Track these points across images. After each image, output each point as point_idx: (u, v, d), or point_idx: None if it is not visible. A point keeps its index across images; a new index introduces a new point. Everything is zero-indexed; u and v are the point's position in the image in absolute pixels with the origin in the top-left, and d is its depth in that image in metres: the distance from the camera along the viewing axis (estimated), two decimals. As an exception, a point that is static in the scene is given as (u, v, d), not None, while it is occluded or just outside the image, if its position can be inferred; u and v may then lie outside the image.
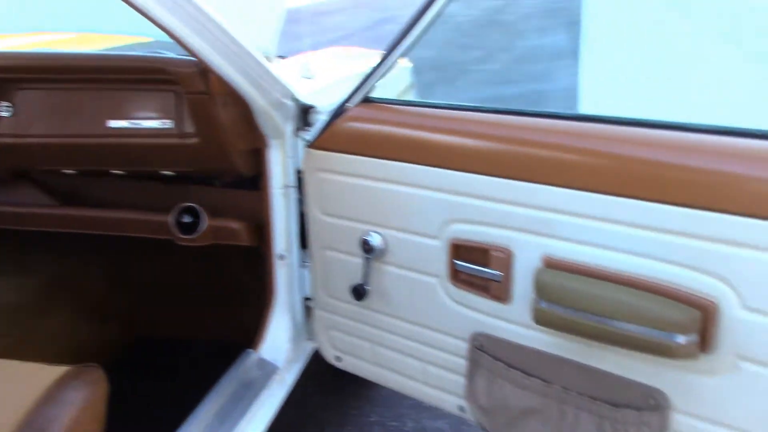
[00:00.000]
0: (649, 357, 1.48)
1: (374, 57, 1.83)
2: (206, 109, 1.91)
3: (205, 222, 2.19)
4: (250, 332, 2.20)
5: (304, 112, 2.04)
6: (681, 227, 1.39)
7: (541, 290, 1.53)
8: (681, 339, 1.37)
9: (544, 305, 1.54)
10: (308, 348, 2.29)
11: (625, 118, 1.56)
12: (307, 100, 2.03)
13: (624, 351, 1.52)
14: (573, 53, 12.10)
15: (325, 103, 2.03)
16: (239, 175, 2.13)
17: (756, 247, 1.31)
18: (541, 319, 1.55)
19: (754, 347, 1.35)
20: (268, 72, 1.83)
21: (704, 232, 1.36)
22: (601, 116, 1.59)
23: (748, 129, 1.41)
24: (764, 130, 1.39)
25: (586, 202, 1.50)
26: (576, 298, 1.48)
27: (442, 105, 1.82)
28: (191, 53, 1.64)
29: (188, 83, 1.88)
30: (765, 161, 1.33)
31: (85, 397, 1.54)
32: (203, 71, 1.86)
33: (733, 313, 1.36)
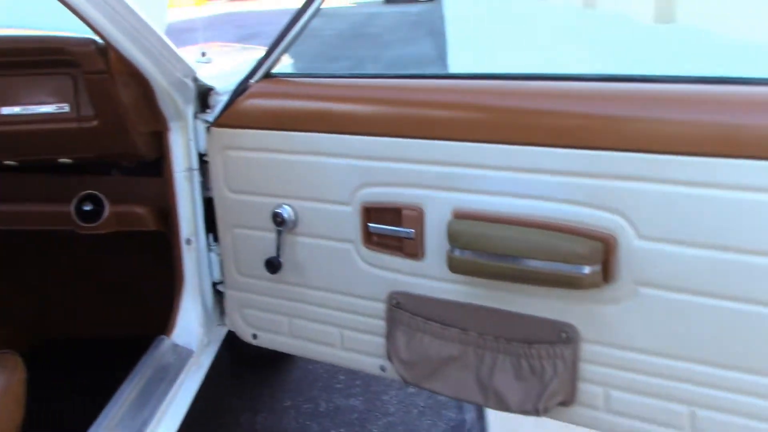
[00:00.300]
0: (558, 294, 1.60)
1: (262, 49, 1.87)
2: (106, 89, 1.88)
3: (107, 209, 2.14)
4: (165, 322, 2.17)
5: (204, 95, 2.04)
6: (578, 168, 1.51)
7: (454, 239, 1.62)
8: (586, 269, 1.49)
9: (457, 253, 1.62)
10: (221, 333, 2.28)
11: (518, 74, 1.69)
12: (207, 81, 2.04)
13: (534, 291, 1.62)
14: (440, 59, 12.54)
15: (224, 85, 2.05)
16: (141, 159, 2.10)
17: (646, 179, 1.45)
18: (456, 267, 1.64)
19: (650, 272, 1.49)
20: (169, 49, 1.83)
21: (599, 171, 1.49)
22: (497, 74, 1.70)
23: (626, 75, 1.57)
24: (641, 75, 1.55)
25: (489, 154, 1.60)
26: (487, 242, 1.58)
27: (344, 74, 1.88)
28: (91, 28, 1.63)
29: (87, 62, 1.85)
30: (645, 102, 1.48)
31: (3, 383, 1.49)
32: (103, 49, 1.83)
33: (630, 243, 1.49)
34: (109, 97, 1.89)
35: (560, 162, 1.53)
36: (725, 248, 1.40)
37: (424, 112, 1.70)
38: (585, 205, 1.52)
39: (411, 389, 2.79)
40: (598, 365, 1.60)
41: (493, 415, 2.50)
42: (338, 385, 2.83)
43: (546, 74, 1.66)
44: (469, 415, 2.63)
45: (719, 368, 1.46)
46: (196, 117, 2.04)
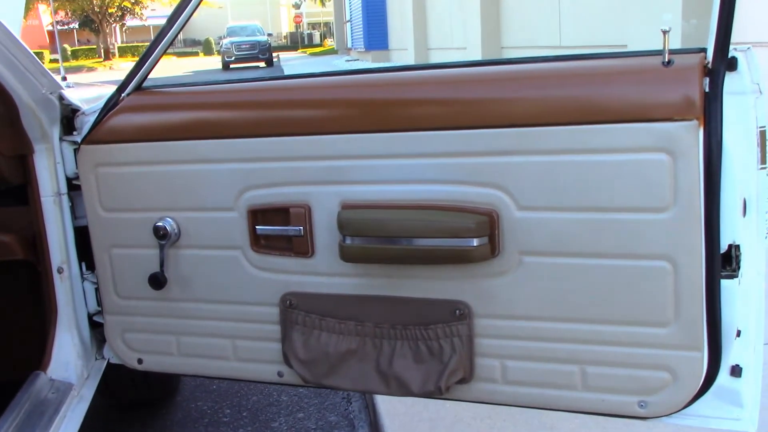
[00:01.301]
0: (449, 274, 1.66)
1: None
2: None
3: None
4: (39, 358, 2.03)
5: (70, 116, 1.98)
6: (456, 149, 1.60)
7: (344, 227, 1.65)
8: (475, 242, 1.57)
9: (348, 241, 1.65)
10: (100, 366, 2.16)
11: (390, 66, 1.77)
12: (74, 102, 1.98)
13: (425, 274, 1.68)
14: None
15: (90, 107, 1.99)
16: (5, 185, 1.99)
17: (519, 152, 1.55)
18: (348, 256, 1.66)
19: (531, 241, 1.58)
20: (35, 63, 1.77)
21: (476, 149, 1.58)
22: (370, 68, 1.78)
23: (488, 60, 1.69)
24: (501, 59, 1.67)
25: (371, 144, 1.66)
26: (377, 226, 1.62)
27: (218, 81, 1.89)
28: None
29: None
30: (507, 81, 1.60)
31: None
32: None
33: (512, 215, 1.58)
34: None
35: (438, 144, 1.61)
36: (593, 209, 1.52)
37: (302, 110, 1.74)
38: (466, 183, 1.60)
39: (300, 414, 2.75)
40: (493, 338, 1.66)
41: (388, 427, 2.50)
42: (225, 419, 2.74)
43: (413, 65, 1.75)
44: (362, 431, 2.63)
45: (601, 324, 1.57)
46: (62, 139, 1.97)
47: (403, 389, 1.70)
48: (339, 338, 1.76)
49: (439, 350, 1.68)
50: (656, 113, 1.45)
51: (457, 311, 1.66)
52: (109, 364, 2.59)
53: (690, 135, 1.43)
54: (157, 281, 1.89)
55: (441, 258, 1.60)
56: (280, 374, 1.88)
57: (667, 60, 1.46)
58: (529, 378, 1.65)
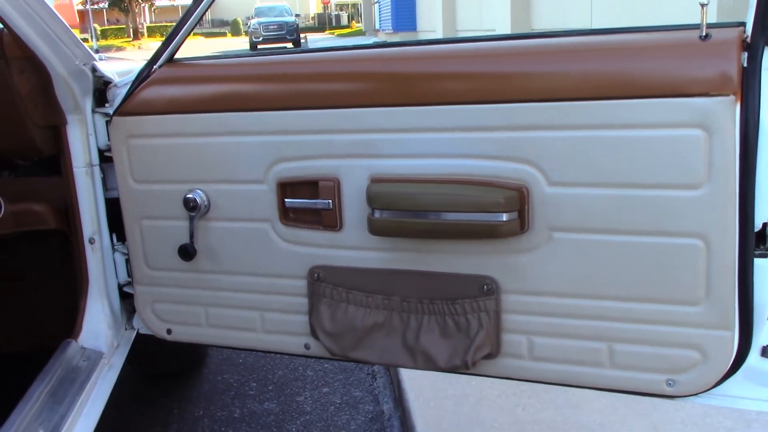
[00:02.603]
0: (477, 249, 1.65)
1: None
2: (1, 76, 1.80)
3: (3, 207, 2.03)
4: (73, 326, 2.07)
5: (102, 89, 1.99)
6: (487, 123, 1.59)
7: (374, 200, 1.65)
8: (504, 217, 1.56)
9: (377, 215, 1.65)
10: (130, 336, 2.19)
11: (423, 40, 1.76)
12: (107, 74, 1.99)
13: (453, 249, 1.68)
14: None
15: (123, 79, 2.00)
16: (38, 156, 2.02)
17: (551, 127, 1.54)
18: (377, 229, 1.66)
19: (561, 217, 1.57)
20: (69, 33, 1.78)
21: (507, 123, 1.57)
22: (404, 41, 1.77)
23: (519, 33, 1.67)
24: (533, 33, 1.65)
25: (401, 117, 1.66)
26: (407, 200, 1.62)
27: (246, 55, 1.90)
28: None
29: None
30: (542, 55, 1.58)
31: None
32: None
33: (542, 190, 1.57)
34: (4, 85, 1.82)
35: (469, 118, 1.60)
36: (625, 185, 1.51)
37: (333, 83, 1.74)
38: (497, 158, 1.60)
39: (325, 389, 2.77)
40: (520, 314, 1.66)
41: (413, 402, 2.52)
42: (251, 392, 2.78)
43: (445, 39, 1.74)
44: (387, 406, 2.65)
45: (630, 302, 1.56)
46: (94, 111, 1.98)
47: (430, 363, 1.71)
48: (366, 311, 1.77)
49: (466, 325, 1.68)
50: (692, 88, 1.43)
51: (485, 286, 1.66)
52: (138, 335, 2.63)
53: (726, 111, 1.41)
54: (187, 252, 1.90)
55: (469, 233, 1.60)
56: (306, 346, 1.89)
57: (704, 34, 1.44)
58: (555, 354, 1.65)
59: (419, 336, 1.72)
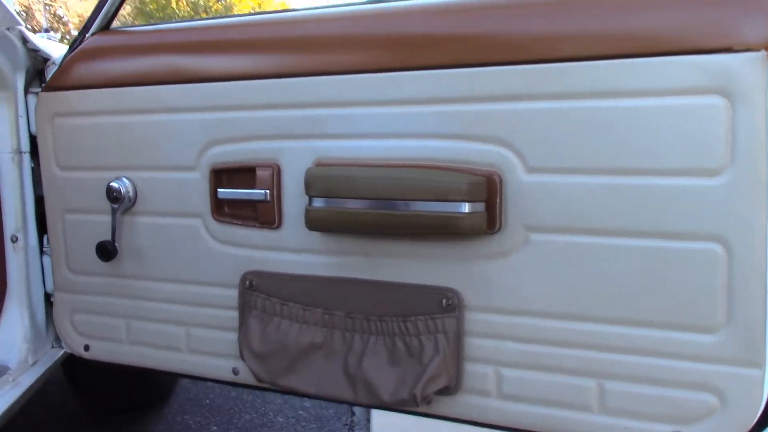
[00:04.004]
0: (437, 253, 1.32)
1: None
2: None
3: None
4: None
5: (40, 66, 1.75)
6: (451, 92, 1.27)
7: (311, 186, 1.33)
8: (465, 207, 1.23)
9: (316, 203, 1.33)
10: (54, 355, 1.88)
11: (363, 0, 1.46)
12: (43, 48, 1.74)
13: (408, 253, 1.34)
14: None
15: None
16: None
17: (529, 97, 1.21)
18: (313, 221, 1.34)
19: (542, 213, 1.23)
20: None
21: (475, 92, 1.25)
22: (352, 2, 1.48)
23: None
24: None
25: (352, 87, 1.35)
26: (347, 185, 1.30)
27: (190, 20, 1.63)
28: None
29: None
30: (511, 10, 1.26)
31: None
32: None
33: (518, 178, 1.24)
34: None
35: (430, 86, 1.29)
36: (622, 171, 1.16)
37: (272, 48, 1.46)
38: (463, 137, 1.27)
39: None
40: (487, 338, 1.30)
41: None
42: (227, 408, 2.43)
43: None
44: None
45: (627, 326, 1.19)
46: (28, 92, 1.73)
47: (372, 397, 1.35)
48: (302, 328, 1.43)
49: (419, 349, 1.33)
50: (709, 42, 1.09)
51: (444, 301, 1.31)
52: (82, 361, 2.32)
53: (755, 71, 1.07)
54: (106, 251, 1.60)
55: (423, 228, 1.26)
56: (235, 371, 1.56)
57: None
58: (530, 393, 1.28)
59: (362, 361, 1.37)
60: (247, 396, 2.66)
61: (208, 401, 2.65)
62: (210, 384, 2.76)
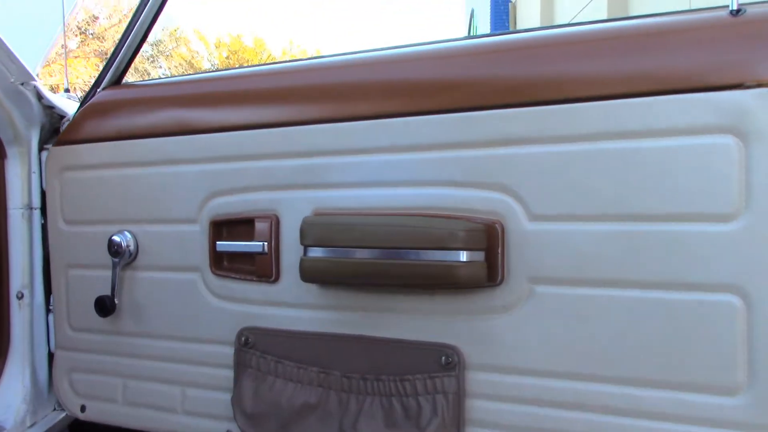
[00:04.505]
0: (437, 308, 1.24)
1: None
2: None
3: None
4: None
5: (56, 124, 1.76)
6: (450, 137, 1.22)
7: (307, 235, 1.28)
8: (463, 256, 1.15)
9: (310, 253, 1.28)
10: (55, 418, 1.83)
11: (373, 49, 1.44)
12: (58, 105, 1.76)
13: (407, 308, 1.27)
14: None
15: None
16: None
17: (532, 140, 1.15)
18: (308, 272, 1.28)
19: (546, 263, 1.15)
20: (1, 45, 1.57)
21: (476, 137, 1.20)
22: (349, 52, 1.45)
23: (484, 34, 1.32)
24: (510, 30, 1.30)
25: (351, 134, 1.32)
26: (344, 233, 1.24)
27: (199, 73, 1.63)
28: None
29: None
30: (516, 53, 1.22)
31: None
32: None
33: (521, 227, 1.17)
34: None
35: (428, 132, 1.24)
36: (631, 217, 1.08)
37: (271, 99, 1.44)
38: (462, 185, 1.21)
39: None
40: (490, 399, 1.21)
41: None
42: None
43: (403, 45, 1.40)
44: None
45: (639, 387, 1.09)
46: (43, 148, 1.74)
47: None
48: (296, 388, 1.35)
49: (416, 411, 1.23)
50: (719, 78, 1.03)
51: (444, 358, 1.23)
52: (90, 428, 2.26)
53: None
54: (104, 306, 1.56)
55: (420, 278, 1.19)
56: None
57: (735, 9, 1.05)
58: None
59: (357, 424, 1.28)
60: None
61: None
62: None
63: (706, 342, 1.04)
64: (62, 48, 2.32)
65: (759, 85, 1.00)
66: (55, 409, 1.82)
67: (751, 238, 1.01)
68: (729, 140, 1.01)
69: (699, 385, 1.05)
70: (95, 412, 1.66)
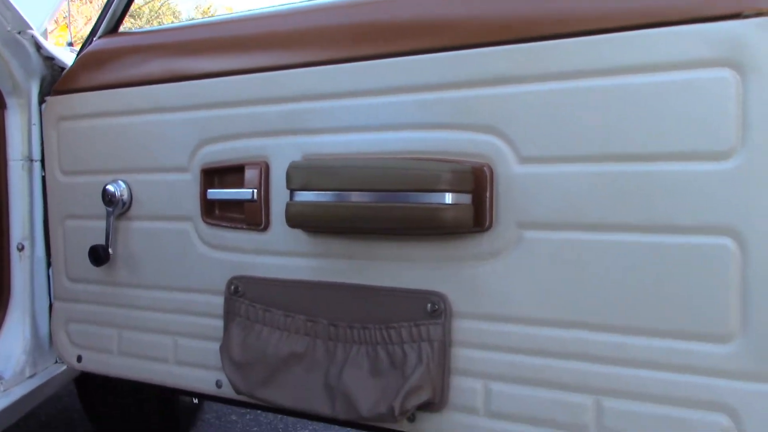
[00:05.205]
0: (422, 255, 1.21)
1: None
2: None
3: None
4: None
5: (57, 75, 1.74)
6: (438, 78, 1.18)
7: (292, 180, 1.25)
8: (448, 198, 1.11)
9: (297, 198, 1.25)
10: (56, 369, 1.83)
11: None
12: (58, 56, 1.75)
13: (394, 255, 1.24)
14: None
15: None
16: None
17: (521, 78, 1.11)
18: (293, 217, 1.25)
19: (535, 207, 1.11)
20: None
21: (463, 77, 1.16)
22: None
23: None
24: None
25: (338, 77, 1.28)
26: (330, 177, 1.21)
27: (187, 21, 1.60)
28: None
29: None
30: None
31: None
32: None
33: (510, 170, 1.13)
34: None
35: (417, 73, 1.20)
36: (622, 157, 1.04)
37: (259, 43, 1.41)
38: (451, 127, 1.17)
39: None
40: (476, 348, 1.17)
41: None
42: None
43: None
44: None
45: (628, 334, 1.05)
46: (44, 101, 1.73)
47: (350, 411, 1.22)
48: (283, 336, 1.33)
49: (402, 359, 1.20)
50: (716, 8, 0.97)
51: (430, 306, 1.19)
52: (96, 384, 2.27)
53: (767, 38, 0.94)
54: (98, 256, 1.55)
55: (405, 221, 1.15)
56: (218, 384, 1.46)
57: None
58: (522, 410, 1.14)
59: (343, 372, 1.25)
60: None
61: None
62: (233, 419, 2.67)
63: (698, 287, 0.99)
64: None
65: (758, 14, 0.94)
66: (56, 362, 1.82)
67: (747, 177, 0.95)
68: (726, 74, 0.96)
69: (690, 332, 1.00)
70: (91, 363, 1.66)
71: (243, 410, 2.69)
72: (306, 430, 2.55)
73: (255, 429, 2.59)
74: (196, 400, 2.54)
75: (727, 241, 0.97)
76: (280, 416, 2.63)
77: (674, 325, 1.01)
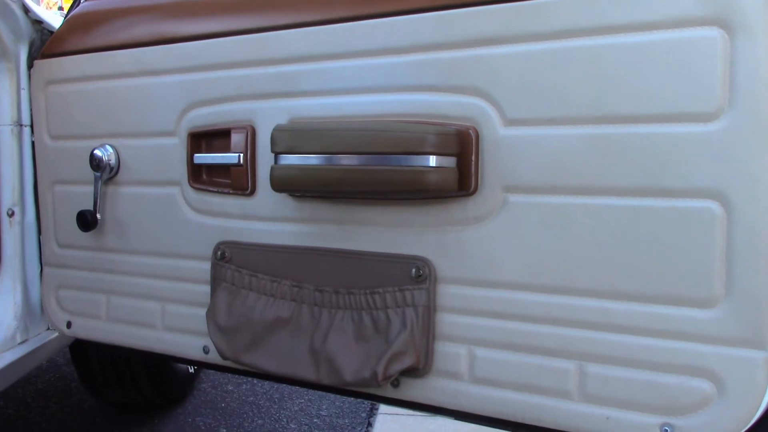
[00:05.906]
0: (407, 220, 1.20)
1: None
2: None
3: None
4: None
5: (46, 40, 1.72)
6: (423, 38, 1.16)
7: (277, 142, 1.23)
8: (432, 161, 1.10)
9: (281, 161, 1.23)
10: (47, 336, 1.83)
11: None
12: (47, 19, 1.73)
13: (380, 219, 1.23)
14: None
15: None
16: None
17: (506, 39, 1.08)
18: (277, 180, 1.24)
19: (520, 170, 1.09)
20: None
21: (449, 37, 1.14)
22: None
23: None
24: None
25: (325, 39, 1.26)
26: (313, 140, 1.20)
27: None
28: None
29: None
30: None
31: None
32: None
33: (495, 133, 1.11)
34: None
35: (403, 34, 1.18)
36: (609, 119, 1.02)
37: (247, 2, 1.39)
38: (437, 89, 1.15)
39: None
40: (461, 313, 1.16)
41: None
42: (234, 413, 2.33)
43: None
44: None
45: (612, 299, 1.04)
46: (33, 64, 1.71)
47: (334, 377, 1.22)
48: (269, 302, 1.32)
49: (386, 324, 1.20)
50: None
51: (414, 270, 1.18)
52: (87, 353, 2.27)
53: None
54: (85, 221, 1.55)
55: (389, 184, 1.14)
56: (205, 350, 1.46)
57: None
58: (505, 376, 1.13)
59: (328, 338, 1.25)
60: (263, 402, 2.56)
61: (223, 405, 2.56)
62: (229, 389, 2.68)
63: (682, 252, 0.98)
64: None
65: None
66: (49, 328, 1.82)
67: (733, 139, 0.94)
68: (713, 32, 0.94)
69: (674, 297, 0.99)
70: (80, 329, 1.66)
71: (239, 380, 2.71)
72: (301, 399, 2.56)
73: (251, 398, 2.60)
74: (192, 369, 2.55)
75: (714, 205, 0.95)
76: (275, 385, 2.64)
77: (658, 290, 1.00)
